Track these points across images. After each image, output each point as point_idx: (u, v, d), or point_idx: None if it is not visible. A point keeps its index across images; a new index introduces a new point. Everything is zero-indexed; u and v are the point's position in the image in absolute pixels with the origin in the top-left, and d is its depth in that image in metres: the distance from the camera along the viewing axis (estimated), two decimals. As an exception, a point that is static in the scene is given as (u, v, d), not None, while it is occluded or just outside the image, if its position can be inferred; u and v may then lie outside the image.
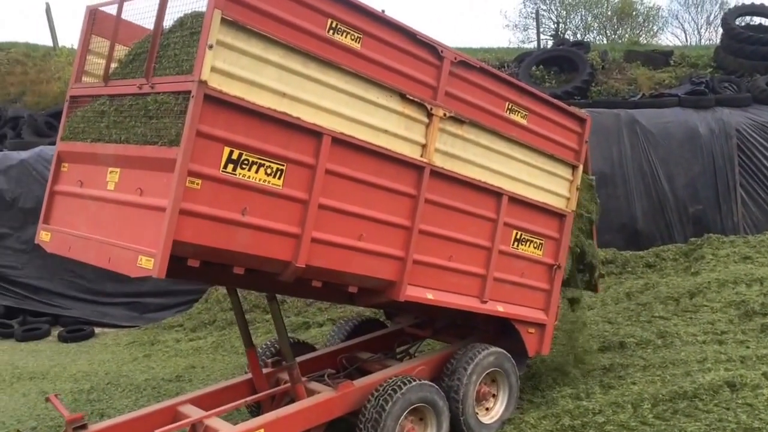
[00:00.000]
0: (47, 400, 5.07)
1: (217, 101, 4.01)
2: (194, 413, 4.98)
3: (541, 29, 26.60)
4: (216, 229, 4.10)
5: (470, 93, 5.39)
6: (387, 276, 5.03)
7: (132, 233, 4.18)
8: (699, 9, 32.85)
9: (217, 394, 5.45)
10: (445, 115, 5.19)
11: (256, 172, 4.24)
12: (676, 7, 32.68)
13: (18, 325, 10.00)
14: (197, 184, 3.98)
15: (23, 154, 10.76)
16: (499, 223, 5.68)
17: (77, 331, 9.72)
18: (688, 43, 30.43)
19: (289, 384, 5.41)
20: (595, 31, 29.76)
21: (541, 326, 6.13)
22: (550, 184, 6.12)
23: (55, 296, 10.47)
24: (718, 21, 28.66)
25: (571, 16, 30.14)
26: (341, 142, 4.61)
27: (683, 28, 33.52)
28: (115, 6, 4.95)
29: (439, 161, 5.22)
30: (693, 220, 11.06)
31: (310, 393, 5.24)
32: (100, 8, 5.17)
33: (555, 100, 6.18)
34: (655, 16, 30.11)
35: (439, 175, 5.21)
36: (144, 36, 4.74)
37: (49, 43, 16.23)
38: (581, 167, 6.35)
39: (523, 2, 31.61)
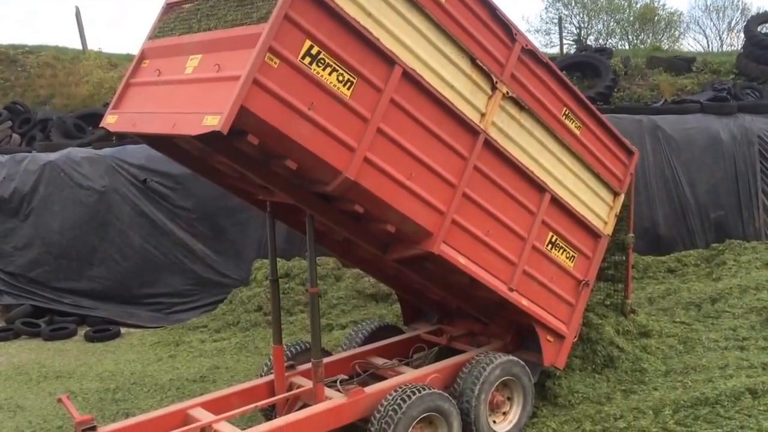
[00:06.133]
0: (59, 401, 5.05)
1: None
2: (204, 417, 5.00)
3: (564, 34, 26.52)
4: (282, 111, 4.25)
5: (533, 84, 5.59)
6: (426, 224, 5.09)
7: (202, 102, 4.31)
8: (720, 15, 32.61)
9: (230, 398, 5.46)
10: (507, 93, 5.36)
11: (330, 74, 4.43)
12: (697, 13, 32.42)
13: (45, 325, 10.05)
14: (275, 62, 4.16)
15: (51, 156, 10.79)
16: (538, 219, 5.76)
17: (104, 331, 9.78)
18: (710, 49, 30.19)
19: (301, 389, 5.45)
20: (617, 36, 29.63)
21: (560, 337, 6.12)
22: (592, 202, 6.21)
23: (82, 297, 10.52)
24: (740, 27, 28.55)
25: (594, 22, 30.05)
26: (411, 78, 4.80)
27: (705, 33, 33.26)
28: None
29: (494, 134, 5.35)
30: (715, 226, 11.00)
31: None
32: None
33: (610, 124, 6.28)
34: (677, 22, 29.98)
35: (491, 147, 5.35)
36: None
37: (79, 46, 16.40)
38: (622, 196, 6.44)
39: (546, 7, 31.48)
